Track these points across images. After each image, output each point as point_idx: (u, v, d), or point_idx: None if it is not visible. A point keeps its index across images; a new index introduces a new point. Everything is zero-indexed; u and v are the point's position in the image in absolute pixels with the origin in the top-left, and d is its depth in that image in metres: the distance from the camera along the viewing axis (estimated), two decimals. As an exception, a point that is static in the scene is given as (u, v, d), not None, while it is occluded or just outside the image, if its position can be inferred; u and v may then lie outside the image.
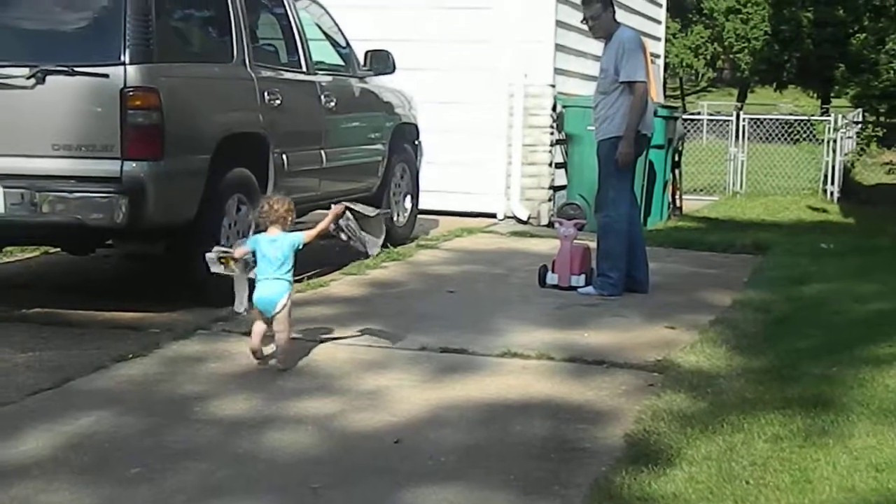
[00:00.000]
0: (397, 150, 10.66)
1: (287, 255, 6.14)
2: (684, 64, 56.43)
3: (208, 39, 8.36)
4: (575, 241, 8.84)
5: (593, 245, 8.83)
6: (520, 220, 13.13)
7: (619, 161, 8.46)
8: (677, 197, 15.87)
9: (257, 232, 6.37)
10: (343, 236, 6.46)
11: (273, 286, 6.12)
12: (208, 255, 6.37)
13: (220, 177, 7.65)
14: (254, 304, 6.20)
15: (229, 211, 7.80)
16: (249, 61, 8.23)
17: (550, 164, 13.34)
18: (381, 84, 10.56)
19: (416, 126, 11.16)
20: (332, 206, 6.53)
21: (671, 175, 15.04)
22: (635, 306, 8.17)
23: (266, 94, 8.30)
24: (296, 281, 8.18)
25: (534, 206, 13.25)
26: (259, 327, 6.17)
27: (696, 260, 10.70)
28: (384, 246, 10.10)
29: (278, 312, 6.12)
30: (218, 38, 8.20)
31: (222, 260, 6.29)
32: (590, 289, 8.65)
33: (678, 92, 58.18)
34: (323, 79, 9.40)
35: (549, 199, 13.40)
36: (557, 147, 13.49)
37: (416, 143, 11.19)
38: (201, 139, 7.53)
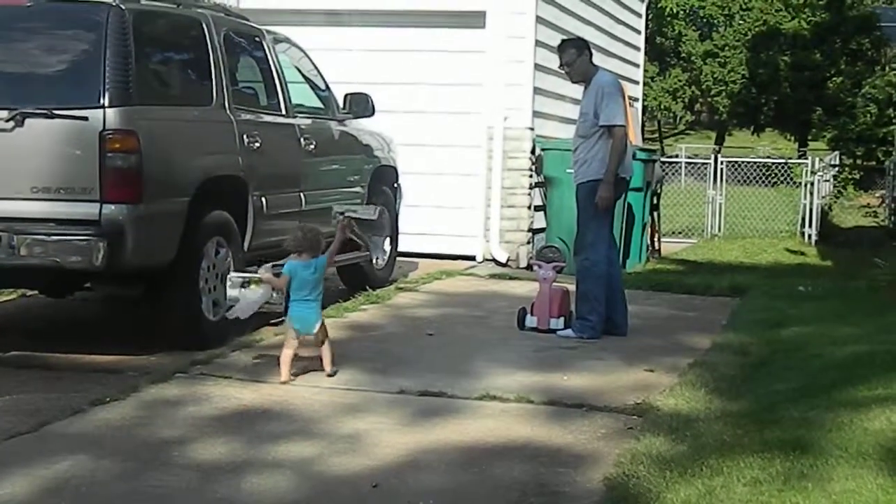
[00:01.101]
0: (376, 192, 10.68)
1: (319, 276, 6.89)
2: (662, 107, 56.78)
3: (188, 82, 8.38)
4: (554, 283, 8.86)
5: (572, 288, 8.85)
6: (499, 263, 13.15)
7: (599, 204, 8.51)
8: (656, 239, 15.92)
9: (285, 256, 7.03)
10: (359, 243, 7.21)
11: (311, 307, 6.86)
12: (230, 278, 7.01)
13: (200, 220, 7.66)
14: (293, 325, 6.85)
15: (208, 254, 7.80)
16: (229, 104, 8.26)
17: (529, 207, 13.39)
18: (360, 127, 10.60)
19: (395, 169, 11.20)
20: (338, 220, 7.07)
21: (650, 218, 15.11)
22: (614, 349, 8.19)
23: (245, 137, 8.32)
24: (274, 324, 8.26)
25: (513, 249, 13.28)
26: (287, 353, 6.79)
27: (675, 302, 10.73)
28: (363, 289, 10.15)
29: (317, 331, 6.84)
30: (197, 81, 8.22)
31: (246, 284, 6.95)
32: (569, 331, 8.66)
33: (656, 135, 58.50)
34: (302, 122, 9.43)
35: (529, 242, 13.43)
36: (536, 190, 13.55)
37: (396, 185, 11.22)
38: (180, 182, 7.54)
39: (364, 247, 6.67)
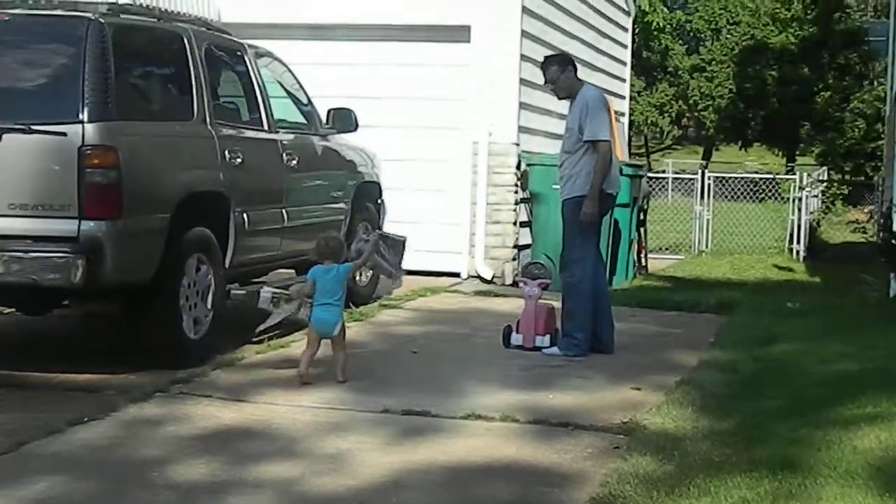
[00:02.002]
0: (360, 208, 10.68)
1: (342, 282, 7.38)
2: (649, 122, 56.88)
3: (168, 97, 8.38)
4: (540, 300, 8.86)
5: (558, 305, 8.86)
6: (484, 280, 13.15)
7: (584, 220, 8.52)
8: (642, 256, 15.95)
9: (313, 264, 7.47)
10: (384, 263, 7.94)
11: (331, 311, 7.32)
12: (262, 293, 7.70)
13: (180, 236, 7.65)
14: (313, 327, 7.35)
15: (189, 271, 7.78)
16: (210, 119, 8.25)
17: (515, 223, 13.39)
18: (343, 142, 10.60)
19: (378, 185, 11.20)
20: (369, 236, 7.82)
21: (636, 234, 15.13)
22: (601, 367, 8.19)
23: (227, 152, 8.31)
24: (257, 342, 8.26)
25: (498, 266, 13.28)
26: (307, 354, 7.27)
27: (662, 319, 10.74)
28: (346, 306, 10.14)
29: (337, 333, 7.31)
30: (178, 95, 8.22)
31: (275, 299, 7.61)
32: (554, 349, 8.66)
33: (643, 150, 58.63)
34: (285, 137, 9.43)
35: (514, 259, 13.44)
36: (522, 206, 13.56)
37: (379, 201, 11.22)
38: (161, 198, 7.52)
39: (388, 267, 7.25)
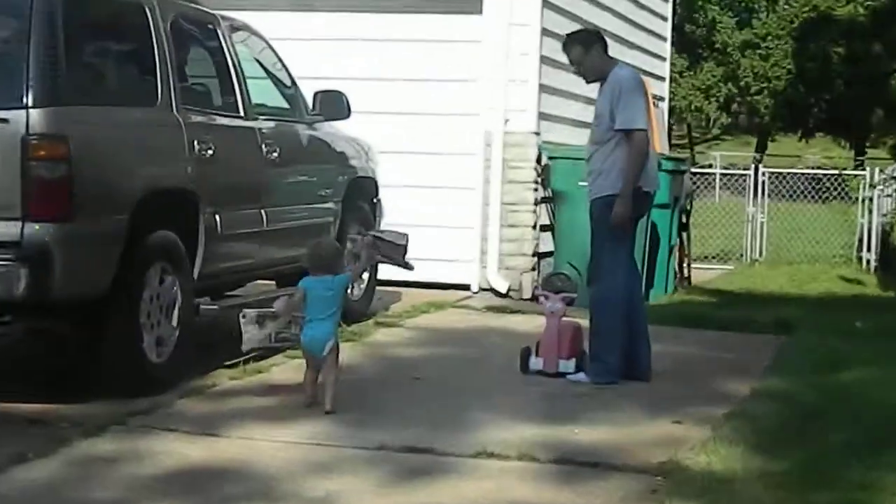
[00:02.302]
0: (352, 209, 10.71)
1: (337, 295, 7.48)
2: (693, 108, 57.01)
3: (128, 79, 8.40)
4: (563, 318, 8.87)
5: (585, 323, 8.86)
6: (498, 294, 13.16)
7: (615, 223, 8.53)
8: (685, 265, 15.96)
9: (303, 274, 7.60)
10: (382, 260, 8.14)
11: (322, 327, 7.39)
12: (246, 314, 7.88)
13: (141, 241, 7.66)
14: (303, 346, 7.50)
15: (150, 282, 7.80)
16: (177, 104, 8.27)
17: (534, 227, 13.41)
18: (333, 131, 10.63)
19: (374, 181, 11.22)
20: (361, 239, 8.06)
21: (678, 239, 15.15)
22: (635, 397, 8.20)
23: (196, 143, 8.34)
24: (230, 365, 8.28)
25: (514, 277, 13.30)
26: (311, 375, 7.45)
27: (708, 341, 10.75)
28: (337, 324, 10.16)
29: (328, 354, 7.33)
30: (140, 77, 8.24)
31: (260, 318, 7.78)
32: (581, 375, 8.67)
33: (686, 141, 58.71)
34: (264, 125, 9.46)
35: (533, 269, 13.45)
36: (543, 206, 13.57)
37: (375, 200, 11.25)
38: (118, 197, 7.54)
39: (390, 261, 7.59)
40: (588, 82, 9.02)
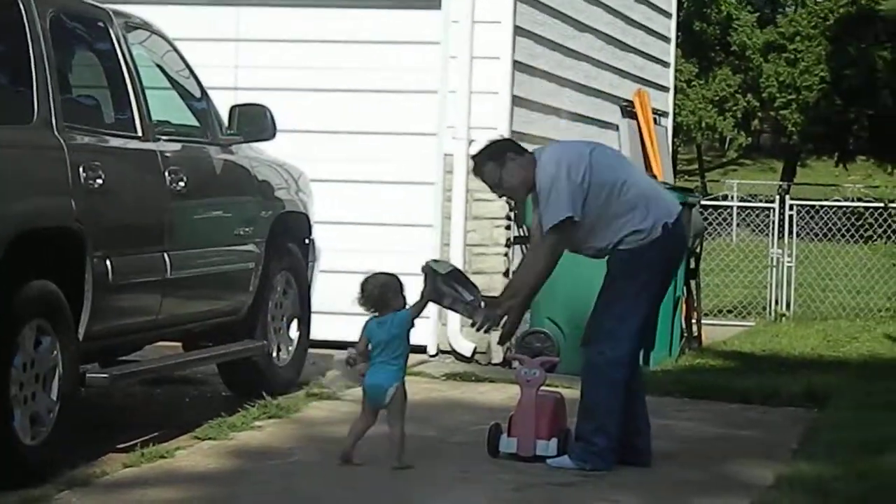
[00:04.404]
0: (278, 252, 10.70)
1: (396, 335, 8.17)
2: (704, 125, 57.16)
3: (-4, 89, 8.40)
4: (542, 388, 8.87)
5: (570, 394, 8.86)
6: (461, 357, 13.15)
7: (479, 329, 8.77)
8: (693, 322, 15.98)
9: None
10: (446, 301, 8.53)
11: (383, 371, 8.13)
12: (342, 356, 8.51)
13: (12, 294, 7.63)
14: (366, 394, 8.23)
15: (24, 344, 7.75)
16: (57, 122, 8.24)
17: (506, 274, 13.40)
18: (254, 155, 10.61)
19: (306, 216, 11.21)
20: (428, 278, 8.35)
21: (684, 290, 15.17)
22: (632, 486, 8.20)
23: (82, 170, 8.30)
24: (125, 449, 8.24)
25: (482, 337, 13.27)
26: (358, 426, 8.19)
27: (723, 416, 10.78)
28: (259, 396, 10.16)
29: (390, 402, 8.06)
30: (11, 87, 8.24)
31: (350, 360, 8.30)
32: (565, 460, 8.66)
33: (696, 167, 58.99)
34: (167, 147, 9.43)
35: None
36: (517, 248, 13.57)
37: (308, 241, 11.23)
38: (-17, 238, 7.52)
39: (453, 301, 8.45)
40: (517, 201, 9.01)
